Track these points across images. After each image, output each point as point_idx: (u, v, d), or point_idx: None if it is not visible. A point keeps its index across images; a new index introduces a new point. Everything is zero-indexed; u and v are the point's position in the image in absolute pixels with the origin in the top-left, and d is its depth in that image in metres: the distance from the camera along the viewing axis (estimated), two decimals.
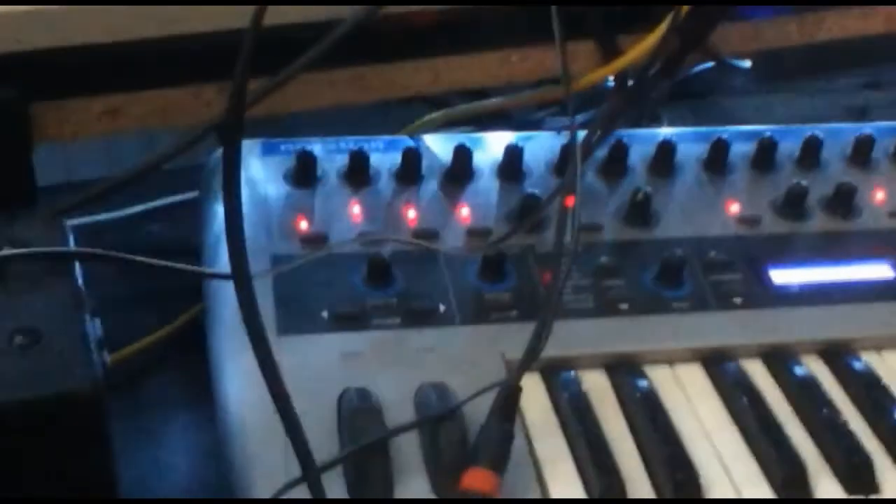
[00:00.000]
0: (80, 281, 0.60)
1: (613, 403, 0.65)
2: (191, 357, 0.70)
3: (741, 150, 0.80)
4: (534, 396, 0.64)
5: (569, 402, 0.63)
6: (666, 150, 0.78)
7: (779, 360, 0.68)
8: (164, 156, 0.66)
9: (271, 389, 0.52)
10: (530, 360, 0.61)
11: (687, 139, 0.80)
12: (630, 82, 0.80)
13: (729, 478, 0.61)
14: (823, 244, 0.75)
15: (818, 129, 0.81)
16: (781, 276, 0.72)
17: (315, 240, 0.70)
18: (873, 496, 0.61)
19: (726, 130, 0.81)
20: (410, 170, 0.75)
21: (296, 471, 0.54)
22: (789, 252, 0.74)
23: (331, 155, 0.76)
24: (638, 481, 0.60)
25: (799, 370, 0.67)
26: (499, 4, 0.76)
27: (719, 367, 0.67)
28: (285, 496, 0.55)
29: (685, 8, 0.75)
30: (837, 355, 0.69)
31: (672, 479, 0.60)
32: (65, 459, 0.54)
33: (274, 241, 0.70)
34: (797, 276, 0.72)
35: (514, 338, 0.64)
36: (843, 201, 0.77)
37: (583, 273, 0.70)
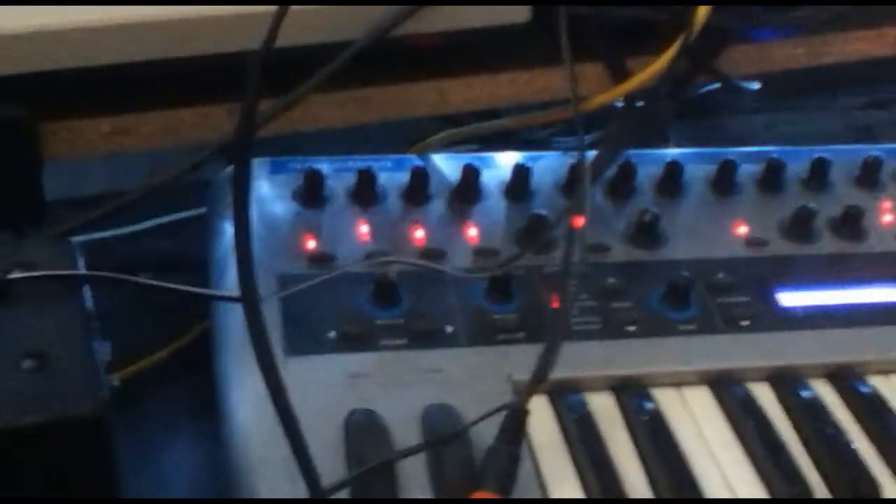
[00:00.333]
0: (88, 303, 0.60)
1: (620, 425, 0.65)
2: (195, 374, 0.70)
3: (749, 171, 0.80)
4: (541, 418, 0.64)
5: (575, 425, 0.63)
6: (673, 171, 0.78)
7: (786, 383, 0.68)
8: (173, 176, 0.66)
9: (279, 413, 0.52)
10: (538, 382, 0.61)
11: (694, 160, 0.80)
12: (638, 103, 0.80)
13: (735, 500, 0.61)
14: (831, 267, 0.75)
15: (826, 151, 0.81)
16: (789, 299, 0.72)
17: (322, 259, 0.70)
18: None
19: (734, 151, 0.81)
20: (418, 189, 0.75)
21: (302, 492, 0.54)
22: (797, 274, 0.74)
23: (339, 174, 0.76)
24: None
25: (806, 393, 0.67)
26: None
27: (726, 390, 0.67)
28: None
29: (695, 30, 0.75)
30: (845, 379, 0.68)
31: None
32: (70, 482, 0.53)
33: (281, 260, 0.70)
34: (805, 299, 0.72)
35: (520, 359, 0.64)
36: (851, 224, 0.77)
37: (590, 294, 0.70)
